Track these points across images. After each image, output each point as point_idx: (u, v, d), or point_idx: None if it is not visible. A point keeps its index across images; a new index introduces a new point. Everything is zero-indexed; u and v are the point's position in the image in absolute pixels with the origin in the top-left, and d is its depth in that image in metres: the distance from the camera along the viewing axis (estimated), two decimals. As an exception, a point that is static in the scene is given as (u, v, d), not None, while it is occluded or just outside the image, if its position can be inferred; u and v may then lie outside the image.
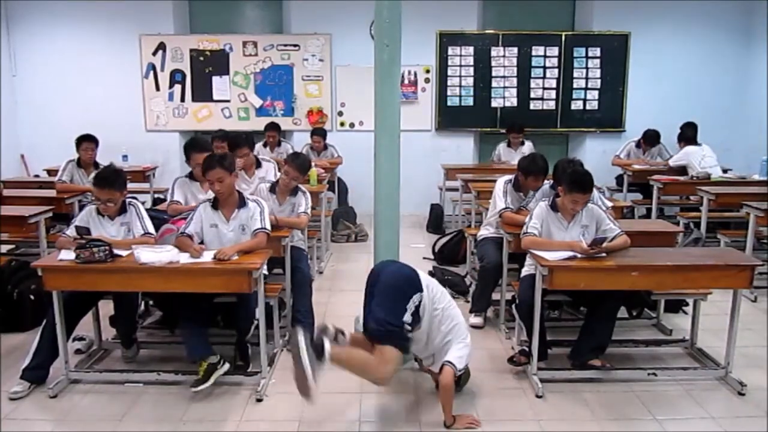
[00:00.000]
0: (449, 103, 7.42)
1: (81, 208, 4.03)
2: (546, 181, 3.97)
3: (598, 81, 7.35)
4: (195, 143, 4.07)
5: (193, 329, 3.19)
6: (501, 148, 6.64)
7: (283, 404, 3.06)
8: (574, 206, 3.29)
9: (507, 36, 7.30)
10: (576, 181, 3.26)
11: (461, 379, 3.08)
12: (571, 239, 3.27)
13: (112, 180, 3.27)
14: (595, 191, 3.86)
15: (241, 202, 3.35)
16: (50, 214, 4.45)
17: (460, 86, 7.39)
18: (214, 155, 3.39)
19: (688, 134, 6.28)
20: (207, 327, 3.29)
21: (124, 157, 6.65)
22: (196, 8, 7.59)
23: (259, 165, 4.68)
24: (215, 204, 3.36)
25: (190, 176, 4.02)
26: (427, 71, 7.35)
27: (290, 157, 4.10)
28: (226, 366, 3.16)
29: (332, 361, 2.65)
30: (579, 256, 3.09)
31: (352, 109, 7.38)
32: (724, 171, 6.11)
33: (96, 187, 3.27)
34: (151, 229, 3.38)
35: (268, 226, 3.35)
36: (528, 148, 6.48)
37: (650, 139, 6.58)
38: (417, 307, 2.77)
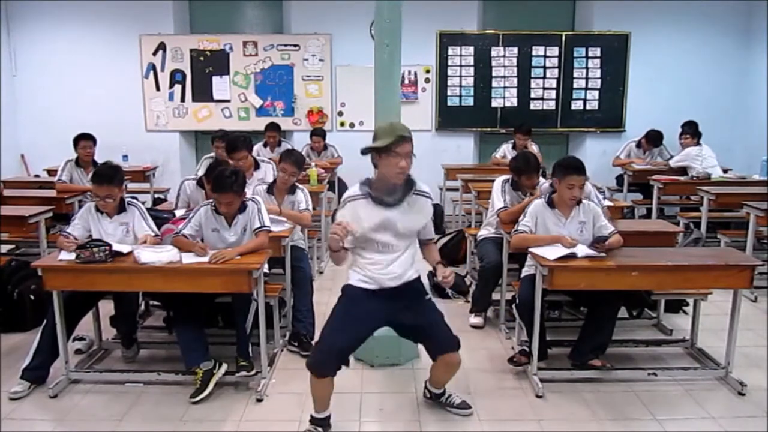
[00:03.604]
0: (449, 103, 7.41)
1: (81, 207, 4.03)
2: (542, 179, 3.99)
3: (598, 81, 7.34)
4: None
5: (188, 334, 3.18)
6: (506, 150, 6.48)
7: (283, 404, 3.06)
8: (571, 192, 3.24)
9: (507, 36, 7.29)
10: (569, 165, 3.27)
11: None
12: (568, 234, 3.27)
13: (110, 176, 3.26)
14: (592, 189, 3.88)
15: (241, 207, 3.33)
16: (50, 214, 4.46)
17: (460, 86, 7.38)
18: (226, 176, 3.20)
19: (689, 131, 6.28)
20: (204, 328, 3.28)
21: (124, 157, 6.64)
22: (196, 8, 7.59)
23: (257, 167, 4.67)
24: (217, 209, 3.32)
25: (199, 183, 3.98)
26: (427, 71, 7.35)
27: (284, 155, 4.09)
28: (224, 367, 3.16)
29: None
30: (578, 255, 3.09)
31: (352, 109, 7.38)
32: (724, 171, 6.13)
33: (94, 183, 3.27)
34: (156, 230, 3.39)
35: (268, 223, 3.35)
36: (534, 150, 6.37)
37: (653, 139, 6.57)
38: None
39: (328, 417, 2.76)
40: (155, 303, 4.02)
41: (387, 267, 2.67)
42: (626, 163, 6.59)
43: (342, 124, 7.47)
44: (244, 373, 3.17)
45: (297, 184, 4.07)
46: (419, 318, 2.75)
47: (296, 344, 3.63)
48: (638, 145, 6.71)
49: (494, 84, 7.37)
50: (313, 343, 3.61)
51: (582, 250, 3.13)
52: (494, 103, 7.41)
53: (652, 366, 3.42)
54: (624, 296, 3.40)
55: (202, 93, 7.37)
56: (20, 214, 4.20)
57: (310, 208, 4.02)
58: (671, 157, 6.45)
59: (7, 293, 3.91)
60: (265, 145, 6.36)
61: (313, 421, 2.75)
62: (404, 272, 2.71)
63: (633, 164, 6.52)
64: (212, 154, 5.31)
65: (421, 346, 3.52)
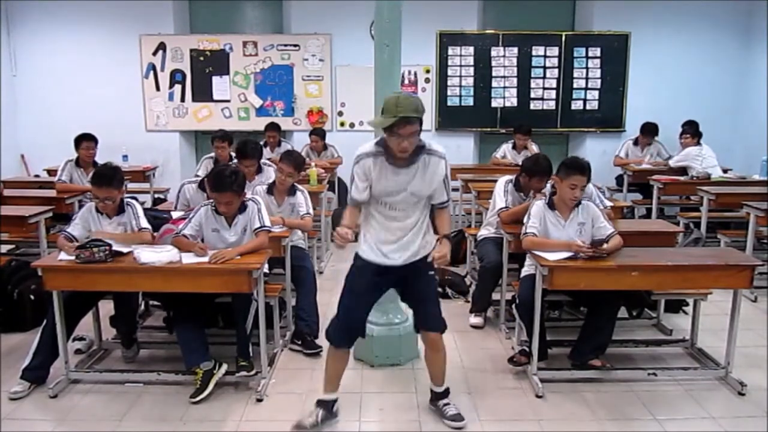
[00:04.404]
0: (449, 103, 7.41)
1: (81, 208, 4.04)
2: (549, 183, 3.98)
3: (598, 81, 7.34)
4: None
5: (188, 333, 3.18)
6: (506, 149, 6.54)
7: (283, 404, 3.06)
8: (573, 192, 3.24)
9: (507, 36, 7.29)
10: (572, 164, 3.28)
11: None
12: (567, 236, 3.27)
13: (109, 177, 3.26)
14: (594, 190, 3.87)
15: (242, 207, 3.33)
16: (50, 214, 4.46)
17: (460, 86, 7.38)
18: (226, 175, 3.20)
19: (690, 131, 6.28)
20: (204, 328, 3.28)
21: (124, 157, 6.65)
22: (196, 8, 7.59)
23: (260, 170, 4.64)
24: (217, 209, 3.32)
25: (201, 186, 3.96)
26: (427, 71, 7.35)
27: (284, 155, 4.10)
28: (224, 368, 3.16)
29: None
30: (579, 255, 3.09)
31: (352, 109, 7.38)
32: (724, 171, 6.13)
33: (94, 185, 3.27)
34: (145, 224, 3.36)
35: (268, 223, 3.35)
36: (533, 150, 6.40)
37: (648, 131, 6.59)
38: None
39: (334, 402, 2.82)
40: (155, 303, 4.02)
41: (396, 243, 2.66)
42: (627, 163, 6.58)
43: (342, 124, 7.47)
44: (244, 373, 3.17)
45: (297, 185, 4.07)
46: (414, 289, 2.79)
47: (299, 343, 3.63)
48: (635, 142, 6.73)
49: (494, 84, 7.37)
50: (316, 341, 3.63)
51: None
52: (494, 103, 7.40)
53: (652, 366, 3.42)
54: (624, 296, 3.40)
55: (202, 93, 7.36)
56: (20, 214, 4.20)
57: (311, 211, 4.02)
58: (669, 155, 6.48)
59: (7, 293, 3.91)
60: (265, 145, 6.34)
61: (319, 403, 2.81)
62: (412, 252, 2.68)
63: (633, 164, 6.53)
64: (212, 154, 5.31)
65: (420, 346, 3.54)
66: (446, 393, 2.97)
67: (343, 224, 2.65)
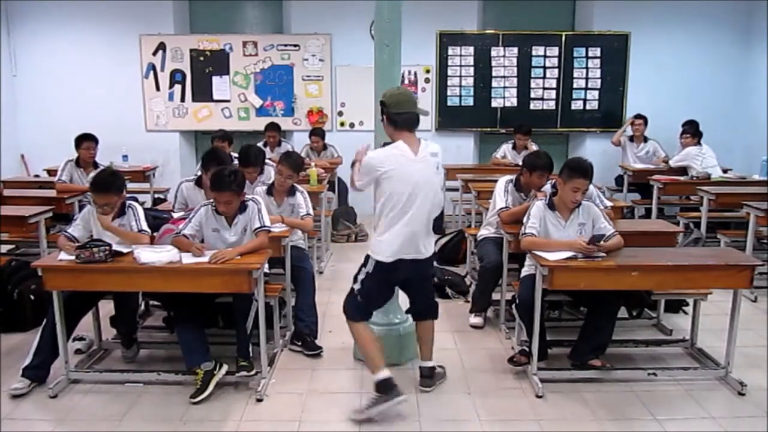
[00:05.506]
0: (449, 103, 7.42)
1: (81, 208, 4.04)
2: (548, 181, 3.98)
3: (598, 81, 7.35)
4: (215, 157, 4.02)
5: (189, 333, 3.18)
6: (506, 149, 6.54)
7: (283, 404, 3.06)
8: (574, 195, 3.25)
9: (507, 36, 7.30)
10: (576, 167, 3.27)
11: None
12: (568, 237, 3.27)
13: (108, 184, 3.25)
14: (594, 190, 3.88)
15: (242, 207, 3.33)
16: (50, 214, 4.46)
17: (460, 86, 7.39)
18: (225, 175, 3.21)
19: (690, 131, 6.29)
20: (204, 328, 3.28)
21: (124, 157, 6.65)
22: (196, 8, 7.60)
23: (261, 170, 4.62)
24: (217, 208, 3.31)
25: (198, 183, 3.96)
26: (427, 71, 7.35)
27: (283, 157, 4.09)
28: (224, 368, 3.16)
29: None
30: (579, 256, 3.09)
31: (352, 109, 7.38)
32: (724, 171, 6.13)
33: (93, 192, 3.26)
34: (144, 227, 3.36)
35: (268, 223, 3.35)
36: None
37: (635, 117, 6.71)
38: None
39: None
40: (155, 303, 4.02)
41: None
42: (619, 137, 6.76)
43: (342, 124, 7.47)
44: (244, 373, 3.17)
45: (296, 185, 4.06)
46: None
47: (299, 344, 3.63)
48: (631, 138, 6.78)
49: (494, 84, 7.38)
50: (316, 342, 3.64)
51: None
52: (494, 103, 7.41)
53: (652, 366, 3.42)
54: (624, 296, 3.40)
55: (202, 93, 7.37)
56: (20, 214, 4.20)
57: (311, 212, 4.01)
58: (666, 155, 6.48)
59: (7, 293, 3.91)
60: (265, 145, 6.34)
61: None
62: None
63: (633, 164, 6.55)
64: None
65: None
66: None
67: None
